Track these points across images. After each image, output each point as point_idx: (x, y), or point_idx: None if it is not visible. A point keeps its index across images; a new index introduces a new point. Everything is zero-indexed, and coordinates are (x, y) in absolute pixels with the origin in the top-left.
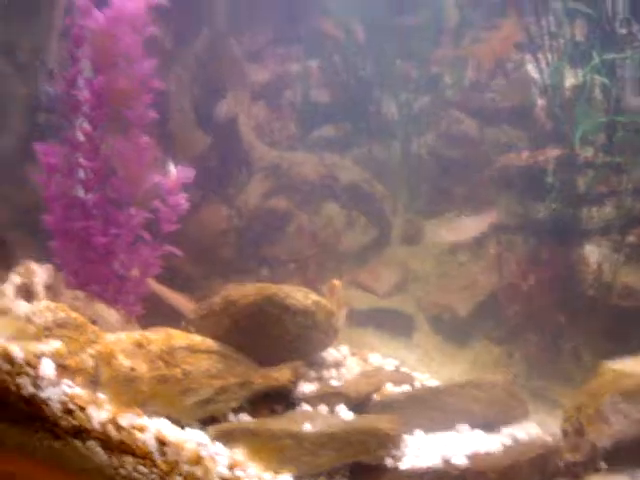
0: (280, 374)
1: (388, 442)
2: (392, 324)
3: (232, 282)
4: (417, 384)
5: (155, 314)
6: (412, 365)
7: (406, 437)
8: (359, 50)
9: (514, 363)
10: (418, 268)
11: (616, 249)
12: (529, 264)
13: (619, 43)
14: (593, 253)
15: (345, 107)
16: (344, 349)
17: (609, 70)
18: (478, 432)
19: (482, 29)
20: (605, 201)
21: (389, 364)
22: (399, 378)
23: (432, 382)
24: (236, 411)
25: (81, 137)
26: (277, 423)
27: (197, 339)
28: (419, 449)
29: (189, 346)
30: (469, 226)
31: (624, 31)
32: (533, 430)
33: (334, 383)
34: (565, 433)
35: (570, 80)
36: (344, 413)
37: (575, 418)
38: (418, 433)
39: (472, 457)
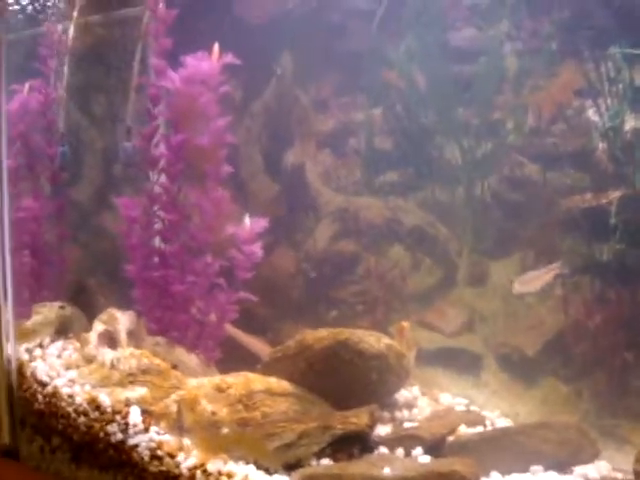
0: (358, 418)
1: None
2: (460, 363)
3: (302, 325)
4: (488, 423)
5: (232, 358)
6: (481, 404)
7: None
8: (420, 98)
9: (583, 401)
10: (484, 308)
11: None
12: (595, 304)
13: None
14: None
15: (408, 153)
16: (415, 389)
17: None
18: (552, 473)
19: (541, 76)
20: None
21: (459, 404)
22: (471, 418)
23: (502, 421)
24: (317, 455)
25: (159, 190)
26: (358, 467)
27: (273, 382)
28: None
29: (266, 389)
30: (538, 277)
31: None
32: (604, 468)
33: (407, 425)
34: (637, 474)
35: (630, 123)
36: (421, 456)
37: None
38: (494, 475)
39: None
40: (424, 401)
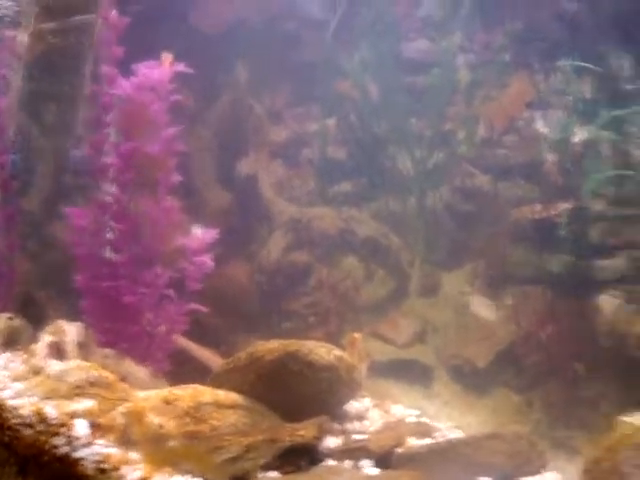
0: (306, 430)
1: None
2: (412, 374)
3: (256, 336)
4: (438, 435)
5: (183, 370)
6: (432, 415)
7: None
8: (374, 108)
9: (535, 412)
10: (436, 319)
11: (630, 299)
12: (546, 315)
13: (626, 99)
14: (607, 304)
15: (361, 163)
16: (366, 401)
17: (617, 126)
18: None
19: (493, 88)
20: (617, 252)
21: (410, 415)
22: (421, 430)
23: (453, 432)
24: (264, 468)
25: (109, 199)
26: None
27: (222, 394)
28: None
29: (215, 402)
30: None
31: (630, 87)
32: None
33: (357, 437)
34: None
35: (579, 136)
36: (368, 469)
37: (593, 472)
38: None
39: None
40: (375, 413)
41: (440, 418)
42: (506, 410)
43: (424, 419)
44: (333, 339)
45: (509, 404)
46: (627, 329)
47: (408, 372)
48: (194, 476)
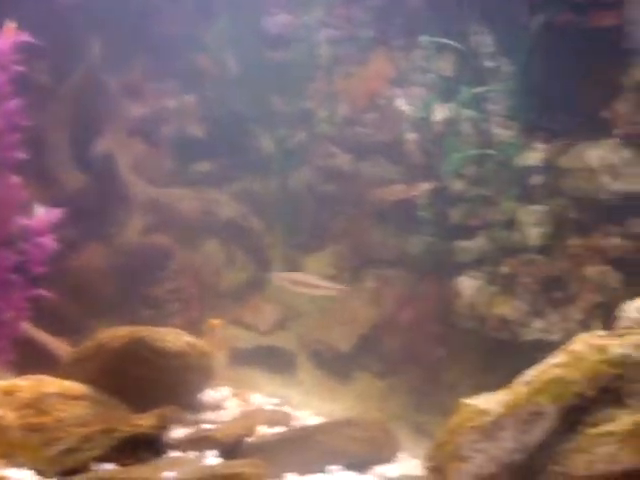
0: (145, 420)
1: None
2: (274, 362)
3: (115, 323)
4: (296, 423)
5: (30, 359)
6: (295, 403)
7: None
8: (234, 85)
9: (397, 397)
10: (298, 304)
11: (490, 281)
12: (407, 298)
13: (486, 77)
14: (467, 285)
15: (221, 142)
16: (225, 390)
17: (477, 104)
18: (349, 473)
19: (354, 64)
20: (477, 233)
21: (270, 404)
22: (275, 418)
23: (314, 420)
24: (101, 459)
25: None
26: (139, 471)
27: (68, 385)
28: None
29: (60, 392)
30: (313, 283)
31: (491, 64)
32: (407, 467)
33: (209, 426)
34: (428, 471)
35: (440, 114)
36: (211, 459)
37: (436, 457)
38: (290, 476)
39: None
40: (234, 402)
41: (302, 406)
42: (370, 396)
43: (286, 408)
44: (195, 326)
45: (373, 390)
46: (487, 311)
47: (271, 359)
48: (28, 468)
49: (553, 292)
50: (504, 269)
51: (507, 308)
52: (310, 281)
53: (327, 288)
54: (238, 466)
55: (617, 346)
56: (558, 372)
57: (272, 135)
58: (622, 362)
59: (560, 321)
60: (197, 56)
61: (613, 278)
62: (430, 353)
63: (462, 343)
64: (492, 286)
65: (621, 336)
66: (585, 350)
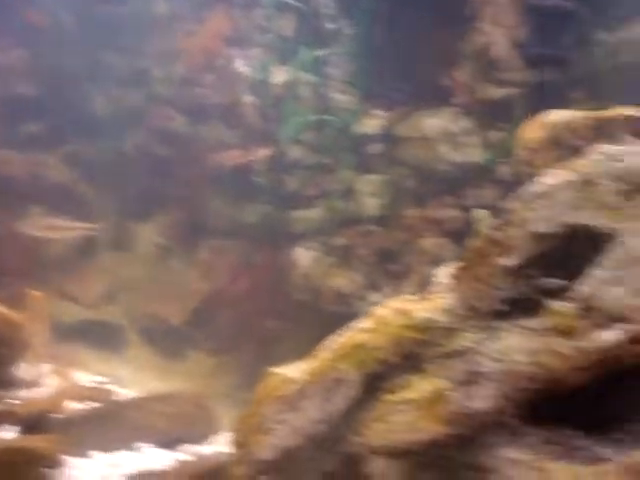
0: None
1: (41, 463)
2: (102, 337)
3: None
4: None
5: None
6: (122, 381)
7: (77, 458)
8: (67, 41)
9: (228, 374)
10: (128, 275)
11: (326, 252)
12: (240, 269)
13: (327, 40)
14: (303, 256)
15: (52, 101)
16: (45, 367)
17: (317, 67)
18: (157, 450)
19: (193, 21)
20: (315, 203)
21: (95, 382)
22: (94, 396)
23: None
24: None
25: None
26: None
27: None
28: (85, 470)
29: None
30: (63, 226)
31: (332, 26)
32: (224, 444)
33: (15, 402)
34: (234, 446)
35: (279, 77)
36: (7, 433)
37: (241, 429)
38: (94, 454)
39: (132, 478)
40: (54, 380)
41: (131, 385)
42: (200, 374)
43: (112, 386)
44: (18, 299)
45: (204, 367)
46: (322, 283)
47: (98, 335)
48: None
49: (389, 264)
50: (341, 240)
51: (343, 280)
52: (62, 225)
53: (81, 229)
54: (32, 440)
55: (422, 310)
56: (363, 337)
57: (106, 95)
58: (426, 327)
59: (394, 294)
60: (29, 11)
61: (449, 250)
62: (264, 327)
63: (298, 316)
64: (328, 257)
65: (428, 300)
66: (390, 315)
